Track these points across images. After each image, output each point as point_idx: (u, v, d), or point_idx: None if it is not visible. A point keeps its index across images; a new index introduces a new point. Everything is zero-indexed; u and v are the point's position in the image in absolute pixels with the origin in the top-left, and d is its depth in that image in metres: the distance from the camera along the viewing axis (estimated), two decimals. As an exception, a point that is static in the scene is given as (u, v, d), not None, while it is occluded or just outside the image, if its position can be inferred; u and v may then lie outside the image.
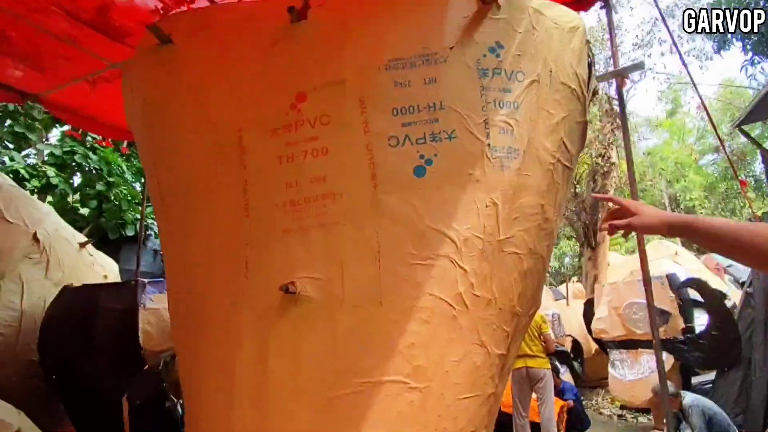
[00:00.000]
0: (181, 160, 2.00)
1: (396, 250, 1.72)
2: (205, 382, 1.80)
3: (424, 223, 1.73)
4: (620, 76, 2.68)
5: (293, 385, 1.63)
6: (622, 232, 1.07)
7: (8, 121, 5.51)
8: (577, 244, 11.19)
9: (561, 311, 7.08)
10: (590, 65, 2.07)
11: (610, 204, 1.18)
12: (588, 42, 2.02)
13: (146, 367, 2.93)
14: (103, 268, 4.55)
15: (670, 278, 5.42)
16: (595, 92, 2.22)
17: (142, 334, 3.16)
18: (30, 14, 2.79)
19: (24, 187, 5.55)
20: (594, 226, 9.21)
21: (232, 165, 1.88)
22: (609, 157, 8.90)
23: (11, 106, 5.45)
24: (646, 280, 2.56)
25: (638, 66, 2.73)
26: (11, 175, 5.49)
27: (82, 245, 4.33)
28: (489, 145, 1.77)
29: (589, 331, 6.58)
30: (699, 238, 0.97)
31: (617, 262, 9.76)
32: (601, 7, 3.09)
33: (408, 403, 1.63)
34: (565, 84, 1.90)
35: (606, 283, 7.22)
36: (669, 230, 1.00)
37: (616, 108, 8.42)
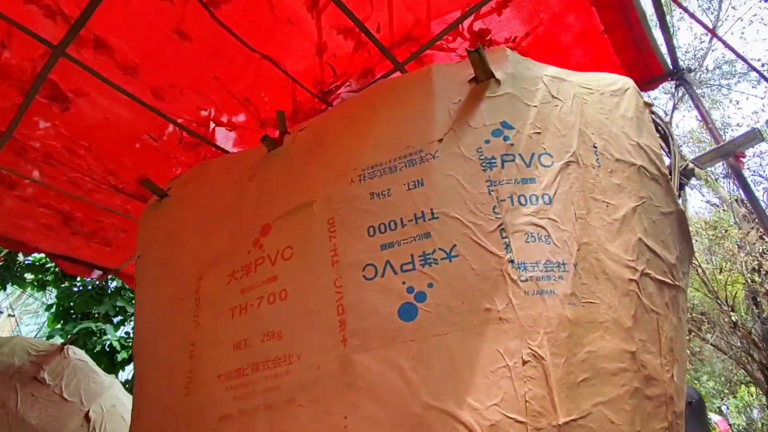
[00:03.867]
0: (144, 319, 1.66)
1: (378, 449, 1.04)
2: None
3: (420, 400, 1.05)
4: (730, 154, 1.91)
5: None
6: None
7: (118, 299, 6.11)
8: (760, 391, 8.28)
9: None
10: (665, 136, 1.43)
11: None
12: (650, 105, 1.42)
13: None
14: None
15: None
16: (689, 174, 1.52)
17: None
18: (88, 194, 3.01)
19: (115, 358, 5.78)
20: (776, 365, 6.78)
21: (184, 324, 1.46)
22: (767, 271, 6.94)
23: (118, 283, 6.10)
24: None
25: (754, 137, 1.85)
26: (108, 348, 5.80)
27: (139, 421, 4.08)
28: (512, 260, 1.13)
29: None
30: None
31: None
32: (677, 86, 2.49)
33: None
34: (624, 161, 1.26)
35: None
36: None
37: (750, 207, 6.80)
